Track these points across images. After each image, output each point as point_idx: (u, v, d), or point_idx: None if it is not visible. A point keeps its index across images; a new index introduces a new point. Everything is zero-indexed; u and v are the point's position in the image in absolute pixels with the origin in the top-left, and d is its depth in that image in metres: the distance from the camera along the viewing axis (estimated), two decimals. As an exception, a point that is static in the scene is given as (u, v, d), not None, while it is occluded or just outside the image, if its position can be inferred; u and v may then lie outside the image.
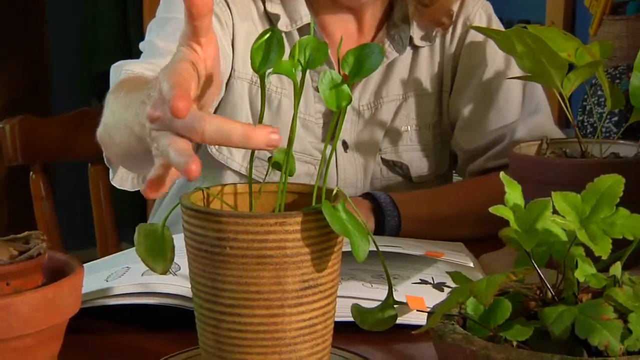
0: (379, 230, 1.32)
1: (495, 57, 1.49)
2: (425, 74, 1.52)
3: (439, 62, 1.52)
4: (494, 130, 1.48)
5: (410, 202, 1.37)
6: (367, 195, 1.36)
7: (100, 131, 1.17)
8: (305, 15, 1.43)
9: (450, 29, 1.52)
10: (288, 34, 1.43)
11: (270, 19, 1.45)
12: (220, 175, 1.44)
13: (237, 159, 1.44)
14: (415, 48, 1.51)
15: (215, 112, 1.43)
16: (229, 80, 1.43)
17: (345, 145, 1.49)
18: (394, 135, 1.51)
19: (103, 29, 4.05)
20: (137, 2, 3.73)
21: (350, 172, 1.49)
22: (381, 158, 1.51)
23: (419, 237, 1.30)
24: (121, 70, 1.29)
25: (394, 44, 1.48)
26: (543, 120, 1.48)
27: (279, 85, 1.44)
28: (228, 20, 1.41)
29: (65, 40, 4.01)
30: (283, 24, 1.42)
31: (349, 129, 1.49)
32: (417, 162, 1.52)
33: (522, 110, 1.48)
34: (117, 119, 1.05)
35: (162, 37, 1.36)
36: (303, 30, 1.44)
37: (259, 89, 1.40)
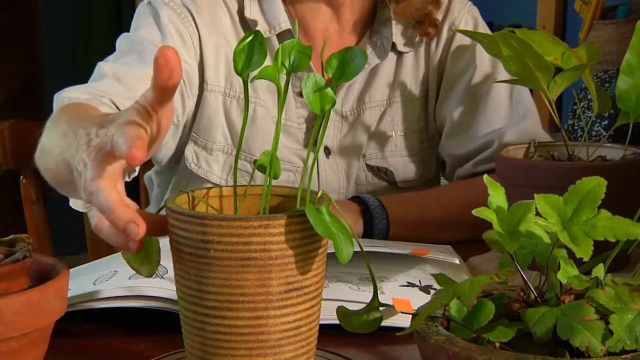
0: (368, 233, 1.32)
1: (482, 62, 1.49)
2: (410, 79, 1.52)
3: (425, 68, 1.53)
4: (482, 136, 1.48)
5: (398, 205, 1.37)
6: (355, 199, 1.36)
7: (37, 155, 1.19)
8: (284, 21, 1.43)
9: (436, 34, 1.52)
10: (267, 40, 1.43)
11: (248, 25, 1.45)
12: (201, 187, 1.43)
13: (215, 172, 1.45)
14: (400, 54, 1.51)
15: (192, 126, 1.45)
16: (202, 94, 1.43)
17: (327, 151, 1.49)
18: (378, 140, 1.51)
19: (97, 30, 4.05)
20: (131, 1, 3.73)
21: (332, 178, 1.49)
22: (366, 164, 1.51)
23: (407, 240, 1.30)
24: (60, 98, 1.30)
25: (375, 50, 1.48)
26: (532, 125, 1.48)
27: (253, 94, 1.43)
28: (193, 34, 1.41)
29: (58, 41, 4.01)
30: (261, 30, 1.40)
31: (331, 135, 1.49)
32: (402, 167, 1.52)
33: (510, 115, 1.48)
34: (52, 146, 1.07)
35: (110, 63, 1.38)
36: (282, 36, 1.44)
37: (232, 100, 1.43)
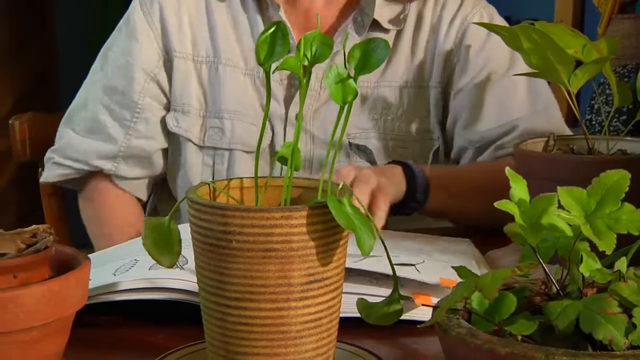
0: (409, 198, 1.32)
1: (499, 55, 1.49)
2: (404, 66, 1.51)
3: (424, 57, 1.52)
4: (503, 124, 1.47)
5: (439, 174, 1.38)
6: (398, 163, 1.36)
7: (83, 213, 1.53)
8: None
9: (445, 27, 1.52)
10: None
11: None
12: (180, 148, 1.53)
13: (194, 133, 1.51)
14: (397, 38, 1.51)
15: (169, 94, 1.53)
16: (172, 62, 1.51)
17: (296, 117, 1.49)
18: (361, 121, 1.50)
19: (111, 24, 4.06)
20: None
21: (306, 149, 1.49)
22: (349, 142, 1.50)
23: (443, 210, 1.33)
24: (86, 162, 1.53)
25: (355, 26, 1.49)
26: (554, 114, 1.48)
27: (214, 57, 1.51)
28: (155, 15, 1.52)
29: (74, 37, 4.02)
30: None
31: (307, 104, 1.49)
32: (387, 151, 1.51)
33: (530, 105, 1.48)
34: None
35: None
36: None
37: (202, 65, 1.51)
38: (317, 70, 1.45)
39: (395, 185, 1.29)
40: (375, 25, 1.49)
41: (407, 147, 1.51)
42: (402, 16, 1.51)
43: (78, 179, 1.57)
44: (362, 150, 1.50)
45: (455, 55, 1.52)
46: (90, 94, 1.55)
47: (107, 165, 1.53)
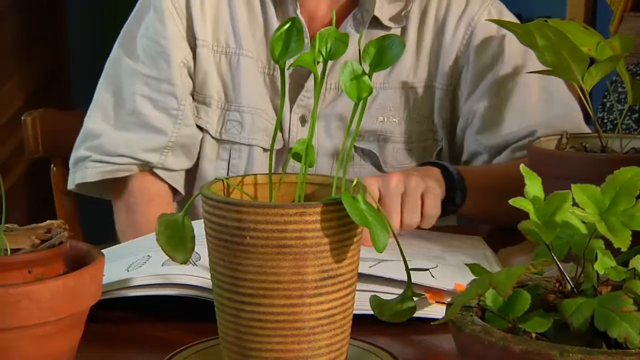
0: (450, 198, 1.31)
1: (511, 54, 1.47)
2: (409, 67, 1.49)
3: (429, 58, 1.50)
4: (521, 129, 1.44)
5: (475, 175, 1.36)
6: (434, 164, 1.34)
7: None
8: None
9: (452, 26, 1.49)
10: None
11: None
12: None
13: (212, 124, 1.49)
14: (402, 34, 1.49)
15: (193, 82, 1.50)
16: (195, 50, 1.48)
17: (303, 120, 1.48)
18: (366, 123, 1.48)
19: (122, 20, 4.06)
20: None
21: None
22: (355, 146, 1.48)
23: (474, 212, 1.35)
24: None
25: (354, 22, 1.47)
26: (575, 116, 1.45)
27: (235, 46, 1.48)
28: (182, 3, 1.48)
29: (84, 33, 4.03)
30: None
31: (311, 106, 1.47)
32: (391, 153, 1.49)
33: (548, 107, 1.45)
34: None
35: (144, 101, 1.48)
36: None
37: (221, 55, 1.48)
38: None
39: (440, 188, 1.28)
40: (376, 22, 1.47)
41: (412, 148, 1.50)
42: (403, 13, 1.49)
43: (110, 183, 1.51)
44: (367, 155, 1.49)
45: (464, 57, 1.49)
46: (123, 86, 1.49)
47: (154, 158, 1.47)
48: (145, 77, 1.47)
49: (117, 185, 1.50)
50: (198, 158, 1.51)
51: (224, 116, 1.49)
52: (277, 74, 1.48)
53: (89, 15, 4.11)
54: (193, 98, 1.49)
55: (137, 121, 1.46)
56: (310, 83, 1.46)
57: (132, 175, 1.49)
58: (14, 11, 3.78)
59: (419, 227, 1.22)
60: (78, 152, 1.49)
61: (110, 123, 1.48)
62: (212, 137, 1.49)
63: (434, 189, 1.24)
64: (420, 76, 1.50)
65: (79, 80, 3.79)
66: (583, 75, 1.10)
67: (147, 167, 1.48)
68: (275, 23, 1.48)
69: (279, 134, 1.47)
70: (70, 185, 1.52)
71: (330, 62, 1.42)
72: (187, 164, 1.51)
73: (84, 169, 1.47)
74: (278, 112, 0.73)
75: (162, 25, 1.47)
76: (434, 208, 1.22)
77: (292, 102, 1.47)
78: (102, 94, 1.51)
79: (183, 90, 1.47)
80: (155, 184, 1.50)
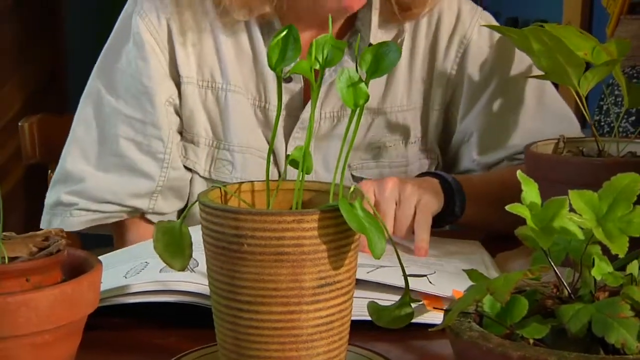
0: (449, 209, 1.30)
1: (505, 70, 1.45)
2: (402, 90, 1.46)
3: (421, 79, 1.47)
4: (517, 146, 1.43)
5: (472, 184, 1.36)
6: (432, 174, 1.34)
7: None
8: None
9: (443, 45, 1.47)
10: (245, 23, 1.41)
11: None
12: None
13: (201, 164, 1.43)
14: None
15: (180, 120, 1.43)
16: (180, 88, 1.40)
17: None
18: (364, 151, 1.46)
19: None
20: None
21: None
22: (352, 175, 1.46)
23: (473, 221, 1.33)
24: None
25: (350, 52, 1.41)
26: (573, 128, 1.44)
27: (222, 81, 1.41)
28: (162, 34, 1.39)
29: (83, 36, 4.03)
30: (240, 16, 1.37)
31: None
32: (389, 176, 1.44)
33: (545, 119, 1.44)
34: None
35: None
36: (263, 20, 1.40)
37: (207, 90, 1.41)
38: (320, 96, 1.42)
39: (437, 200, 1.27)
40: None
41: (408, 171, 1.48)
42: (399, 41, 1.45)
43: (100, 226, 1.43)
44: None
45: (457, 76, 1.47)
46: (104, 125, 1.41)
47: (144, 205, 1.40)
48: (128, 119, 1.39)
49: (111, 226, 1.46)
50: (189, 197, 1.45)
51: (213, 154, 1.42)
52: (270, 106, 1.42)
53: (88, 16, 4.11)
54: (181, 135, 1.43)
55: (121, 163, 1.39)
56: (305, 114, 1.41)
57: (126, 221, 1.44)
58: (14, 12, 3.79)
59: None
60: (58, 194, 1.41)
61: (92, 164, 1.40)
62: (201, 176, 1.43)
63: (427, 202, 1.23)
64: (414, 99, 1.47)
65: (77, 83, 3.79)
66: (579, 80, 1.11)
67: (137, 214, 1.43)
68: (264, 52, 1.41)
69: (274, 168, 1.43)
70: (44, 226, 1.41)
71: (324, 89, 1.44)
72: (179, 204, 1.44)
73: (68, 217, 1.40)
74: (274, 126, 0.72)
75: (145, 63, 1.38)
76: (424, 223, 1.21)
77: (287, 136, 1.43)
78: (80, 131, 1.43)
79: (169, 132, 1.39)
80: (149, 230, 1.43)
